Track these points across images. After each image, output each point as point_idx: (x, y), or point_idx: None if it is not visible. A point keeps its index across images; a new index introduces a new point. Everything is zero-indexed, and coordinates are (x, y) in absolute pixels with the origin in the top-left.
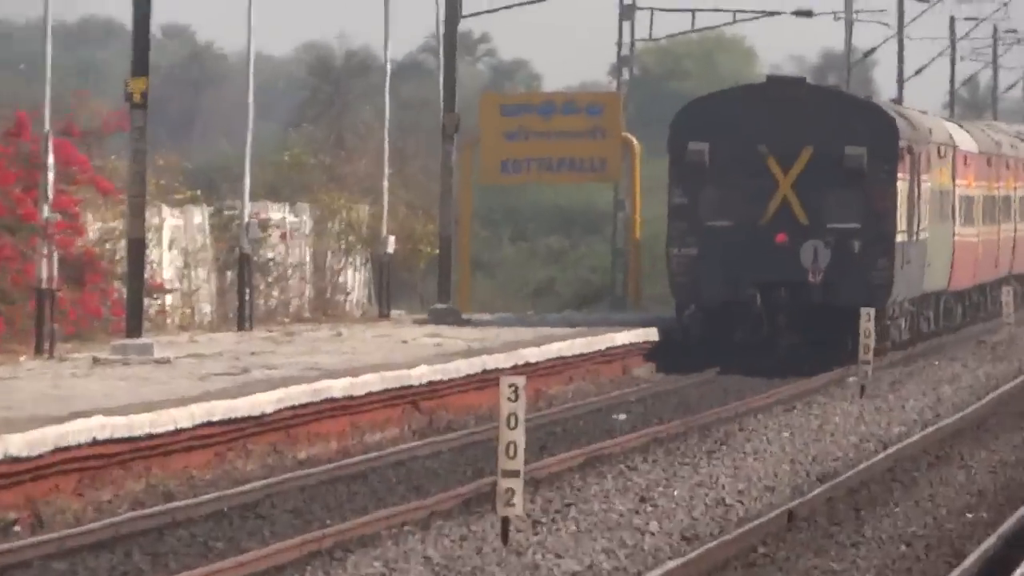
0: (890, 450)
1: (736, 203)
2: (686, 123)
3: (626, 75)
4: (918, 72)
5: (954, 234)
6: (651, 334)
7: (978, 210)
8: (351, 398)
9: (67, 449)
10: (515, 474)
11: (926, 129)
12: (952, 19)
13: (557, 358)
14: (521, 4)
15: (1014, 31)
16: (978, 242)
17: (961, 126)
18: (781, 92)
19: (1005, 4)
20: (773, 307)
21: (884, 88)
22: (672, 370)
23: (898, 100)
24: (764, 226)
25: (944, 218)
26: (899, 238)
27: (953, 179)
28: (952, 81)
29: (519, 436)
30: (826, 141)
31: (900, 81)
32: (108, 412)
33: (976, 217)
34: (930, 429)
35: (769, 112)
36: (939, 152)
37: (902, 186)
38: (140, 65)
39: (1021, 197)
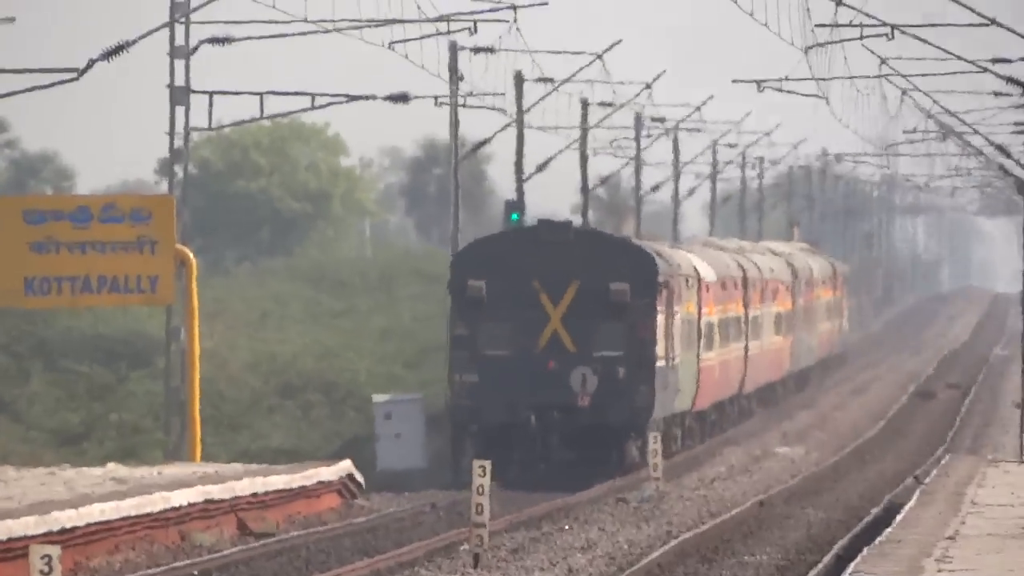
0: None
1: (512, 334)
2: (465, 262)
3: (180, 173)
4: (540, 168)
5: (699, 359)
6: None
7: (717, 334)
8: None
9: None
10: None
11: (676, 263)
12: (584, 104)
13: (99, 523)
14: (47, 86)
15: (661, 120)
16: (717, 364)
17: (699, 255)
18: (550, 234)
19: (648, 87)
20: (547, 427)
21: (502, 187)
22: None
23: (517, 201)
24: (537, 354)
25: (691, 344)
26: (659, 364)
27: (699, 307)
28: (584, 178)
29: None
30: (592, 277)
31: (519, 178)
32: None
33: (715, 340)
34: None
35: (540, 251)
36: (687, 283)
37: (660, 317)
38: None
39: (753, 317)
